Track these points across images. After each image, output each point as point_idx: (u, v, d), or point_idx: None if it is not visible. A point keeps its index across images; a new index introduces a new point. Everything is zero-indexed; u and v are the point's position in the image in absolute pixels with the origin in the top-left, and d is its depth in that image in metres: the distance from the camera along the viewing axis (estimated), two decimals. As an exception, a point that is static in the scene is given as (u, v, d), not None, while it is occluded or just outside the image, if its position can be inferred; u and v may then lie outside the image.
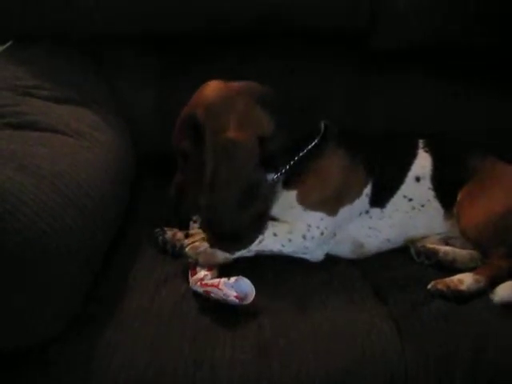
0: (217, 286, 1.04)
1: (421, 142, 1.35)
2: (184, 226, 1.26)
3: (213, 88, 1.18)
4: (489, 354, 1.04)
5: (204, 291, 1.06)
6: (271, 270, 1.19)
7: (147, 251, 1.22)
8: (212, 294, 1.05)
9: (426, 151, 1.33)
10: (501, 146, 1.46)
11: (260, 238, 1.16)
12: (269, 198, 1.17)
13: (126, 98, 1.50)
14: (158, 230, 1.24)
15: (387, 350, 1.03)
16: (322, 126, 1.25)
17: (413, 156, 1.32)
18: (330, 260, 1.25)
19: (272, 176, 1.20)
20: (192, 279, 1.10)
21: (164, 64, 1.54)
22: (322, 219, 1.21)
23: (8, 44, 1.51)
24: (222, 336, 1.01)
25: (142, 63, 1.54)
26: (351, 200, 1.25)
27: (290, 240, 1.19)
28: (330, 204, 1.22)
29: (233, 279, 1.04)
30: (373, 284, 1.21)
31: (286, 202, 1.21)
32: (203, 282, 1.08)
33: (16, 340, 0.94)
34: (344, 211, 1.24)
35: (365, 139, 1.33)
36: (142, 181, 1.41)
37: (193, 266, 1.14)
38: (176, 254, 1.21)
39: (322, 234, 1.21)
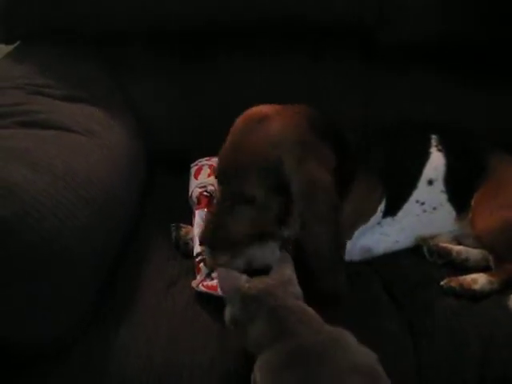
0: (215, 289, 1.05)
1: (434, 139, 1.31)
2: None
3: (286, 122, 1.05)
4: (500, 352, 1.04)
5: (206, 293, 1.07)
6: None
7: (160, 249, 1.22)
8: (214, 295, 1.05)
9: (439, 150, 1.30)
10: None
11: None
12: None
13: (137, 96, 1.50)
14: (173, 224, 1.23)
15: (399, 348, 1.04)
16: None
17: (425, 157, 1.29)
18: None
19: None
20: (194, 282, 1.10)
21: (176, 62, 1.53)
22: None
23: (17, 43, 1.51)
24: (233, 337, 1.00)
25: (154, 62, 1.53)
26: (366, 220, 1.23)
27: None
28: (347, 230, 1.18)
29: None
30: (385, 282, 1.20)
31: None
32: (205, 284, 1.08)
33: (31, 339, 0.95)
34: (359, 231, 1.23)
35: (377, 145, 1.28)
36: (154, 178, 1.41)
37: (198, 265, 1.13)
38: (187, 252, 1.20)
39: None
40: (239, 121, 1.09)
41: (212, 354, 0.98)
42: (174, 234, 1.22)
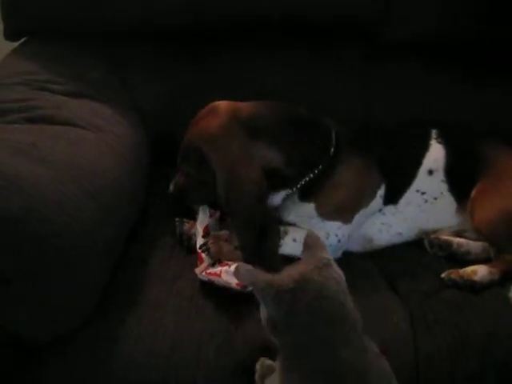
0: (219, 275, 1.06)
1: (434, 133, 1.33)
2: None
3: (220, 119, 1.17)
4: (501, 342, 1.05)
5: (208, 280, 1.08)
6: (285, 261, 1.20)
7: (165, 241, 1.23)
8: (216, 282, 1.07)
9: (439, 142, 1.32)
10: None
11: (280, 242, 1.17)
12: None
13: (137, 91, 1.51)
14: (177, 219, 1.25)
15: (400, 339, 1.05)
16: (334, 134, 1.24)
17: (425, 148, 1.31)
18: (343, 252, 1.26)
19: (286, 192, 1.21)
20: (197, 269, 1.11)
21: (175, 58, 1.54)
22: (339, 228, 1.22)
23: (22, 40, 1.52)
24: (240, 328, 1.02)
25: (154, 58, 1.54)
26: (366, 204, 1.26)
27: None
28: (346, 212, 1.23)
29: (233, 267, 1.04)
30: (386, 274, 1.21)
31: (305, 213, 1.22)
32: (207, 271, 1.09)
33: (40, 330, 0.96)
34: (359, 216, 1.25)
35: (376, 136, 1.33)
36: (158, 172, 1.42)
37: (200, 255, 1.15)
38: (190, 247, 1.21)
39: (339, 241, 1.22)
40: (199, 112, 1.23)
41: (217, 345, 0.99)
42: (178, 229, 1.24)
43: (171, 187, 1.27)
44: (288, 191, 1.22)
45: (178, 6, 1.45)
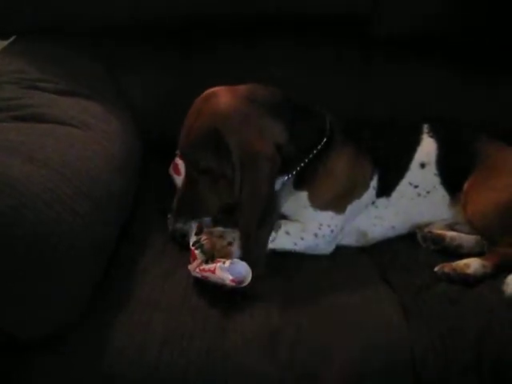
0: (213, 271, 1.06)
1: (425, 127, 1.34)
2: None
3: (226, 99, 1.15)
4: (495, 334, 1.05)
5: (202, 276, 1.08)
6: (279, 257, 1.20)
7: (157, 239, 1.23)
8: (209, 279, 1.07)
9: (431, 136, 1.33)
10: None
11: (273, 235, 1.18)
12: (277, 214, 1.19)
13: (130, 89, 1.51)
14: (170, 216, 1.24)
15: (394, 334, 1.05)
16: (328, 123, 1.25)
17: (417, 142, 1.32)
18: (337, 247, 1.26)
19: (284, 178, 1.21)
20: (191, 266, 1.11)
21: (168, 55, 1.54)
22: (332, 218, 1.22)
23: (12, 38, 1.51)
24: (232, 325, 1.02)
25: (149, 55, 1.54)
26: (359, 195, 1.26)
27: (302, 238, 1.21)
28: (339, 202, 1.24)
29: (228, 263, 1.06)
30: (379, 268, 1.22)
31: (298, 201, 1.23)
32: (201, 268, 1.09)
33: (31, 329, 0.95)
34: (352, 207, 1.25)
35: (369, 129, 1.33)
36: (150, 169, 1.42)
37: (193, 252, 1.14)
38: (184, 244, 1.20)
39: (332, 231, 1.22)
40: (194, 102, 1.19)
41: (209, 342, 0.99)
42: (170, 226, 1.23)
43: (172, 223, 1.21)
44: (285, 177, 1.21)
45: (170, 3, 1.44)
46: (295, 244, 1.21)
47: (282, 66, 1.54)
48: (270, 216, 1.14)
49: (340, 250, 1.26)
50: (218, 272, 1.05)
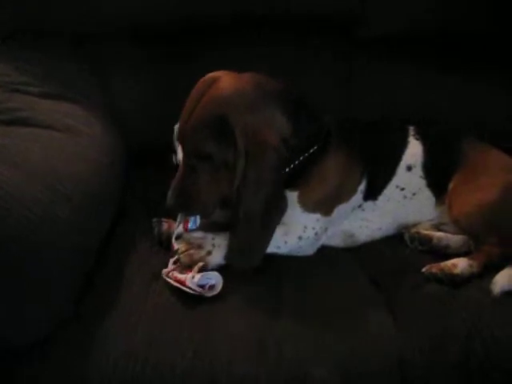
0: (184, 284, 1.05)
1: (411, 129, 1.34)
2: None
3: (232, 84, 1.11)
4: (482, 332, 1.05)
5: (173, 283, 1.07)
6: (267, 258, 1.18)
7: (142, 243, 1.22)
8: (180, 288, 1.06)
9: (417, 139, 1.32)
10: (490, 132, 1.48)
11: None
12: (284, 210, 1.14)
13: (116, 92, 1.50)
14: (155, 220, 1.23)
15: (383, 335, 1.05)
16: (326, 124, 1.23)
17: (404, 145, 1.32)
18: (326, 248, 1.26)
19: None
20: (164, 271, 1.10)
21: (154, 58, 1.54)
22: (317, 220, 1.21)
23: (-4, 42, 1.50)
24: (219, 329, 1.01)
25: (132, 57, 1.54)
26: (347, 198, 1.25)
27: (285, 242, 1.19)
28: (327, 205, 1.23)
29: (197, 277, 1.05)
30: (368, 270, 1.22)
31: (288, 202, 1.18)
32: (173, 275, 1.08)
33: (11, 337, 0.94)
34: (339, 210, 1.25)
35: (359, 131, 1.32)
36: (134, 173, 1.41)
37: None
38: (168, 247, 1.19)
39: (316, 234, 1.21)
40: (196, 86, 1.14)
41: (196, 345, 0.98)
42: (156, 230, 1.22)
43: (170, 195, 1.13)
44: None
45: (158, 4, 1.44)
46: (278, 247, 1.19)
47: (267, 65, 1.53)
48: (277, 210, 1.11)
49: (328, 251, 1.26)
50: (188, 283, 1.05)
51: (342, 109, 1.57)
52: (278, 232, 1.17)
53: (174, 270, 1.09)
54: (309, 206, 1.20)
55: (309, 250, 1.23)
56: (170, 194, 1.13)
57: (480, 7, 1.50)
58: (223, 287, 1.07)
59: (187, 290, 1.05)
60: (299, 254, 1.22)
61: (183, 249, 1.13)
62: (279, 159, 1.09)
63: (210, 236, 1.16)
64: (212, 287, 1.06)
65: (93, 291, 1.07)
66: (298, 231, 1.20)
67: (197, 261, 1.11)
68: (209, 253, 1.13)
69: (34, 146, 1.08)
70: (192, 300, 1.06)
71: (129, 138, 1.44)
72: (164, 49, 1.54)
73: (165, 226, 1.23)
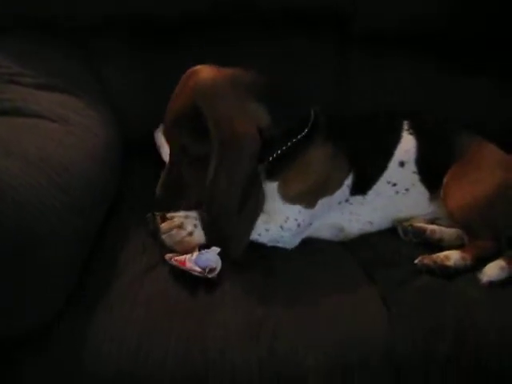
0: (183, 264, 1.06)
1: (405, 124, 1.33)
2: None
3: (210, 76, 1.13)
4: (475, 325, 1.06)
5: (175, 266, 1.08)
6: (258, 252, 1.20)
7: (137, 236, 1.21)
8: (182, 268, 1.07)
9: (411, 133, 1.31)
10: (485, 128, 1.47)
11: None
12: (262, 200, 1.16)
13: (112, 84, 1.50)
14: (149, 214, 1.22)
15: (375, 326, 1.06)
16: (313, 115, 1.23)
17: (396, 140, 1.31)
18: (318, 240, 1.27)
19: (259, 166, 1.17)
20: (167, 255, 1.11)
21: (150, 51, 1.54)
22: (299, 212, 1.21)
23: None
24: (212, 318, 1.02)
25: (128, 50, 1.54)
26: (331, 192, 1.25)
27: (267, 230, 1.19)
28: (309, 197, 1.22)
29: (195, 254, 1.06)
30: (360, 262, 1.22)
31: (268, 192, 1.19)
32: (175, 258, 1.09)
33: (8, 327, 0.94)
34: (322, 203, 1.24)
35: (349, 125, 1.32)
36: (130, 166, 1.40)
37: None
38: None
39: (298, 225, 1.21)
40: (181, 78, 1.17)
41: (188, 337, 0.98)
42: (150, 225, 1.21)
43: (161, 189, 1.18)
44: (261, 166, 1.17)
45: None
46: (259, 235, 1.19)
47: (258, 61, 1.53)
48: (254, 199, 1.11)
49: (321, 244, 1.26)
50: (187, 264, 1.06)
51: (337, 106, 1.56)
52: (261, 219, 1.17)
53: (175, 254, 1.10)
54: (289, 197, 1.20)
55: (291, 241, 1.22)
56: (158, 187, 1.16)
57: (476, 4, 1.50)
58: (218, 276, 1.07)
59: (189, 270, 1.06)
60: (280, 245, 1.22)
61: (165, 227, 1.14)
62: (255, 148, 1.09)
63: (192, 215, 1.16)
64: (213, 270, 1.06)
65: (87, 282, 1.07)
66: (279, 221, 1.20)
67: (178, 242, 1.12)
68: (190, 234, 1.13)
69: (29, 137, 1.07)
70: (186, 289, 1.06)
71: (123, 131, 1.44)
72: (159, 42, 1.54)
73: (159, 220, 1.22)
